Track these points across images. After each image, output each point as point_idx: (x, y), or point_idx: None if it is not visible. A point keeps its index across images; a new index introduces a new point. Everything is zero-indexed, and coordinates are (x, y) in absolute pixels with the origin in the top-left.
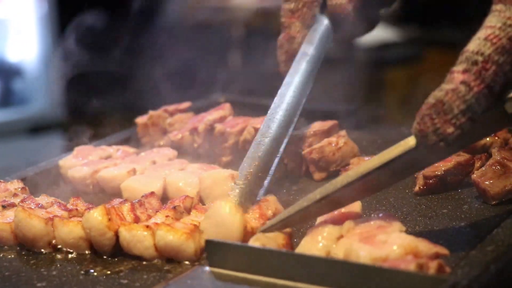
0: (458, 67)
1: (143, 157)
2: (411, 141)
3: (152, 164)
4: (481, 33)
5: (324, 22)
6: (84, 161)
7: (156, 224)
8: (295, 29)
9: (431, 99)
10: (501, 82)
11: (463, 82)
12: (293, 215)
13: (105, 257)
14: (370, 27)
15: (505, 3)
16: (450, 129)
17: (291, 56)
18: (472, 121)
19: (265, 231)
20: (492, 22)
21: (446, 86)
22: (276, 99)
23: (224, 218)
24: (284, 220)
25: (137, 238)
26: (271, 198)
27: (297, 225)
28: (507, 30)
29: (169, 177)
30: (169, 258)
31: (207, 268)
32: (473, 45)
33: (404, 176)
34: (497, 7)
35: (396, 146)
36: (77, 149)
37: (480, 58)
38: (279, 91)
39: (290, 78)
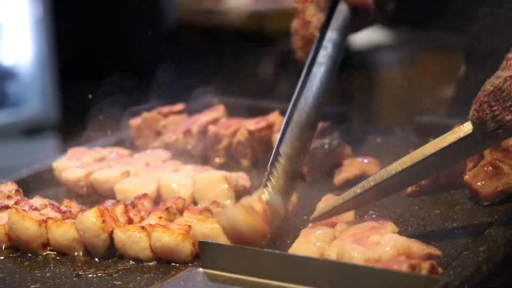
0: None
1: (137, 159)
2: (467, 127)
3: (146, 166)
4: None
5: (343, 9)
6: (78, 163)
7: (151, 225)
8: (309, 13)
9: (488, 86)
10: None
11: None
12: (347, 201)
13: (98, 259)
14: (384, 16)
15: None
16: (509, 116)
17: (308, 42)
18: None
19: (315, 219)
20: None
21: (504, 73)
22: (303, 91)
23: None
24: (338, 207)
25: (133, 239)
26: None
27: (349, 211)
28: None
29: (163, 178)
30: (165, 259)
31: (200, 269)
32: None
33: (457, 161)
34: None
35: (451, 132)
36: (71, 151)
37: None
38: (306, 84)
39: (316, 68)
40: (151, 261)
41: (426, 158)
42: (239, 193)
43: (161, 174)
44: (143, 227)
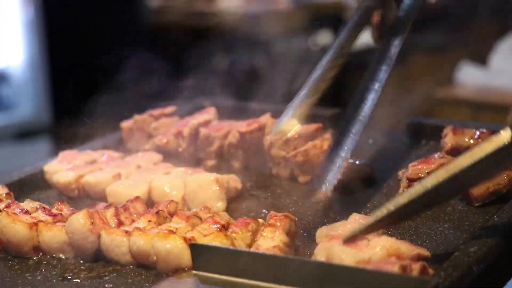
0: None
1: (128, 162)
2: (505, 135)
3: (137, 168)
4: None
5: None
6: (69, 166)
7: (137, 228)
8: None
9: None
10: None
11: None
12: (381, 219)
13: (89, 262)
14: None
15: None
16: None
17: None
18: None
19: (348, 240)
20: None
21: None
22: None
23: None
24: (372, 225)
25: (115, 243)
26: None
27: (384, 230)
28: None
29: (154, 181)
30: (142, 265)
31: (192, 272)
32: None
33: (495, 173)
34: None
35: (488, 141)
36: (62, 154)
37: None
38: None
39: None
40: (131, 265)
41: (464, 170)
42: (231, 195)
43: (152, 177)
44: (126, 231)
